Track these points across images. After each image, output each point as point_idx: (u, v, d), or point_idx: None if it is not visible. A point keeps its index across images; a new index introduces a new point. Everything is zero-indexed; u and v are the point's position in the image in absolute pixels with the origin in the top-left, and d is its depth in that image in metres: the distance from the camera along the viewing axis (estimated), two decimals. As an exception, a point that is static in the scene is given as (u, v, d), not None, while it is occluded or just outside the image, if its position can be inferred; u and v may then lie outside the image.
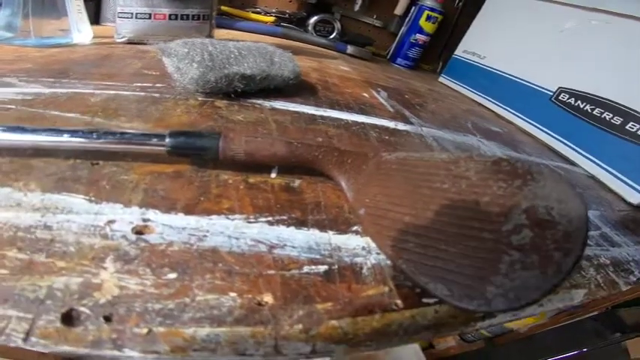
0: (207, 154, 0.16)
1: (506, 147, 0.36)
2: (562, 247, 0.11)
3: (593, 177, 0.35)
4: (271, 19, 0.68)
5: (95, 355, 0.10)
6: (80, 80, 0.27)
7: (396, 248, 0.14)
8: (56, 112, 0.21)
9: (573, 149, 0.39)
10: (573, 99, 0.41)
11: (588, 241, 0.22)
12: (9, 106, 0.21)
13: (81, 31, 0.40)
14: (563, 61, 0.44)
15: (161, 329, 0.11)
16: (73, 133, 0.16)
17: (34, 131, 0.16)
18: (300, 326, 0.12)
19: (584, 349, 0.63)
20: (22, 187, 0.14)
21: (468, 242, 0.13)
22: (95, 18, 0.53)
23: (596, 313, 0.58)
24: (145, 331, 0.10)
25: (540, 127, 0.45)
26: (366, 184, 0.18)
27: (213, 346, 0.11)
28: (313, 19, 0.71)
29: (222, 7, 0.66)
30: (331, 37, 0.73)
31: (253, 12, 0.69)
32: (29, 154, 0.16)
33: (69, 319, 0.10)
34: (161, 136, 0.16)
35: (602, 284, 0.18)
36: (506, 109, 0.51)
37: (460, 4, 0.77)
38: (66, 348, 0.10)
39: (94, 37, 0.41)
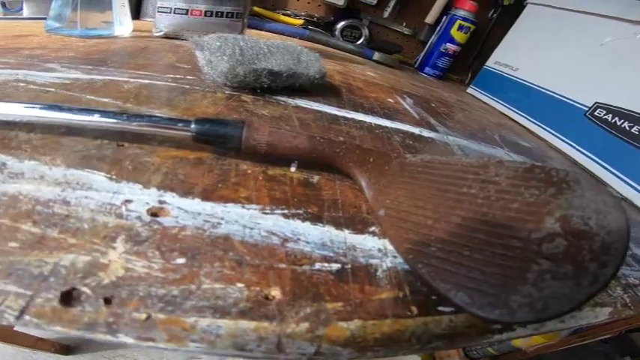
0: (230, 142, 0.16)
1: (534, 161, 0.35)
2: (599, 258, 0.11)
3: (625, 199, 0.33)
4: (300, 21, 0.69)
5: (89, 338, 0.10)
6: (117, 69, 0.28)
7: (415, 252, 0.13)
8: (91, 97, 0.22)
9: (606, 169, 0.37)
10: (610, 115, 0.39)
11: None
12: (48, 89, 0.22)
13: (122, 24, 0.42)
14: (601, 75, 0.42)
15: (161, 316, 0.10)
16: (104, 113, 0.16)
17: (68, 110, 0.16)
18: (307, 325, 0.11)
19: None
20: (48, 161, 0.15)
21: (495, 249, 0.12)
22: (136, 13, 0.56)
23: (608, 336, 0.54)
24: (143, 316, 0.10)
25: (572, 143, 0.42)
26: (388, 186, 0.17)
27: (213, 338, 0.10)
28: (341, 24, 0.71)
29: (255, 8, 0.67)
30: (358, 42, 0.73)
31: (283, 14, 0.70)
32: (61, 132, 0.17)
33: (68, 298, 0.10)
34: (187, 122, 0.16)
35: (629, 304, 0.17)
36: (538, 124, 0.48)
37: (495, 14, 0.75)
38: (58, 328, 0.09)
39: (133, 31, 0.43)
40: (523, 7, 0.61)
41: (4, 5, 0.51)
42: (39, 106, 0.16)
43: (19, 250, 0.11)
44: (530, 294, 0.11)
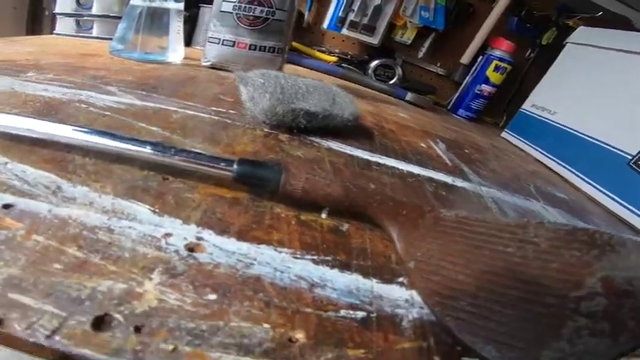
0: (268, 185, 0.17)
1: (571, 216, 0.33)
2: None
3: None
4: (334, 59, 0.72)
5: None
6: (167, 97, 0.30)
7: (444, 305, 0.14)
8: (142, 124, 0.24)
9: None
10: (656, 164, 0.36)
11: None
12: (105, 113, 0.24)
13: (175, 51, 0.45)
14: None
15: (187, 349, 0.10)
16: (154, 145, 0.17)
17: (121, 138, 0.18)
18: (327, 369, 0.11)
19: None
20: (98, 188, 0.16)
21: (528, 306, 0.13)
22: (187, 41, 0.60)
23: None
24: (170, 347, 0.10)
25: (612, 195, 0.39)
26: (420, 239, 0.17)
27: (234, 375, 0.10)
28: (374, 63, 0.72)
29: (293, 43, 0.71)
30: (391, 82, 0.74)
31: (319, 50, 0.73)
32: (112, 159, 0.18)
33: (100, 323, 0.10)
34: (229, 162, 0.17)
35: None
36: (575, 174, 0.45)
37: (532, 54, 0.74)
38: (85, 351, 0.10)
39: (184, 58, 0.47)
40: (562, 46, 0.58)
41: (77, 23, 0.57)
42: (96, 133, 0.18)
43: (62, 272, 0.11)
44: (563, 349, 0.11)
